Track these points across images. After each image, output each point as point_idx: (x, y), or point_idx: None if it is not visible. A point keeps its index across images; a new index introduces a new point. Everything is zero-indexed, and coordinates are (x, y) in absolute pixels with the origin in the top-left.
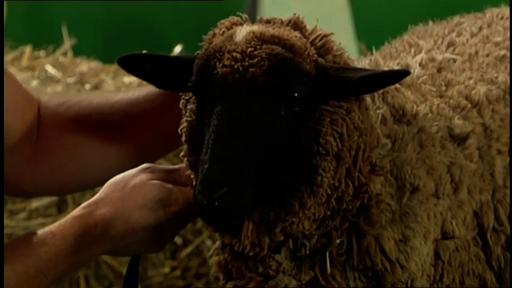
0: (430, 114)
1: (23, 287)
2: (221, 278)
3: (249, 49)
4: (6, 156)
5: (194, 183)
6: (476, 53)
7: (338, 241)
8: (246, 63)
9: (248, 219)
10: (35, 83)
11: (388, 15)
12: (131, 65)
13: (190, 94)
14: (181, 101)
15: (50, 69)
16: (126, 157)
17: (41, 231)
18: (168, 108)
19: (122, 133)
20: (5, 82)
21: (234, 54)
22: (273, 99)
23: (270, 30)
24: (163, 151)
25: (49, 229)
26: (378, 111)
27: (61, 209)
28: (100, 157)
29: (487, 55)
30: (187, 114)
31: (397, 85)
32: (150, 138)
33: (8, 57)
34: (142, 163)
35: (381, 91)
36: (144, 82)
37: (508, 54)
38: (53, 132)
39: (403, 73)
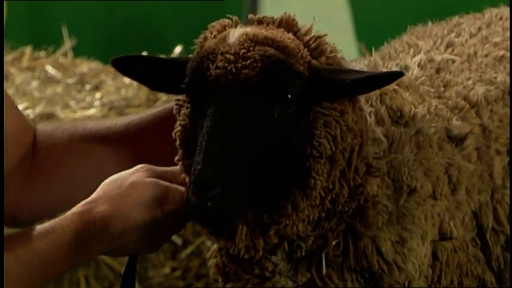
0: (428, 116)
1: (26, 278)
2: (220, 280)
3: (242, 51)
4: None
5: (188, 185)
6: (475, 53)
7: (334, 242)
8: (239, 65)
9: (242, 222)
10: (35, 83)
11: (389, 16)
12: (125, 66)
13: (184, 98)
14: (175, 106)
15: (50, 69)
16: None
17: (41, 226)
18: (162, 131)
19: (117, 155)
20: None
21: (227, 55)
22: (266, 101)
23: (263, 32)
24: None
25: (49, 224)
26: (370, 109)
27: None
28: (95, 179)
29: (486, 55)
30: (181, 118)
31: (395, 86)
32: (145, 160)
33: (8, 57)
34: None
35: (378, 92)
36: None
37: (507, 54)
38: (48, 156)
39: (397, 74)
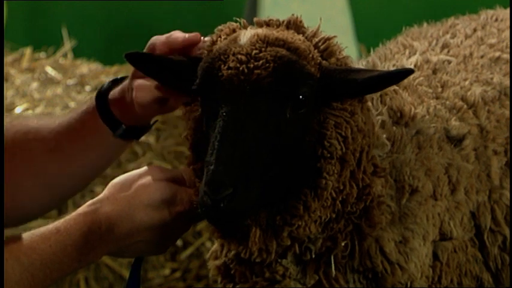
0: (427, 116)
1: (28, 279)
2: (219, 280)
3: (254, 51)
4: None
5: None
6: (471, 54)
7: (343, 244)
8: (251, 65)
9: (255, 225)
10: (35, 84)
11: (388, 17)
12: (137, 62)
13: (194, 101)
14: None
15: (50, 70)
16: (64, 176)
17: (45, 227)
18: (93, 127)
19: (56, 154)
20: None
21: (239, 56)
22: (278, 101)
23: (274, 33)
24: (97, 170)
25: (54, 225)
26: (378, 117)
27: (61, 210)
28: (36, 180)
29: (482, 57)
30: (191, 121)
31: (395, 87)
32: (81, 156)
33: (8, 59)
34: (82, 181)
35: (379, 93)
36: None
37: (503, 56)
38: None
39: (408, 72)
